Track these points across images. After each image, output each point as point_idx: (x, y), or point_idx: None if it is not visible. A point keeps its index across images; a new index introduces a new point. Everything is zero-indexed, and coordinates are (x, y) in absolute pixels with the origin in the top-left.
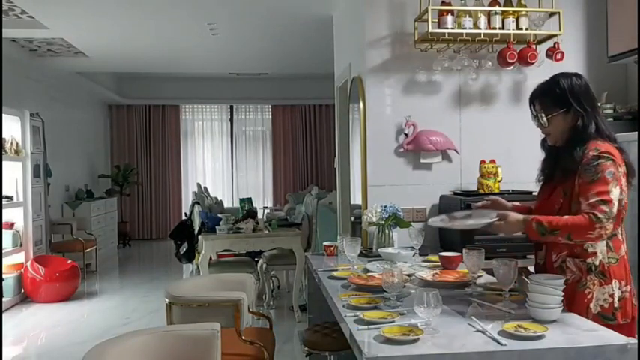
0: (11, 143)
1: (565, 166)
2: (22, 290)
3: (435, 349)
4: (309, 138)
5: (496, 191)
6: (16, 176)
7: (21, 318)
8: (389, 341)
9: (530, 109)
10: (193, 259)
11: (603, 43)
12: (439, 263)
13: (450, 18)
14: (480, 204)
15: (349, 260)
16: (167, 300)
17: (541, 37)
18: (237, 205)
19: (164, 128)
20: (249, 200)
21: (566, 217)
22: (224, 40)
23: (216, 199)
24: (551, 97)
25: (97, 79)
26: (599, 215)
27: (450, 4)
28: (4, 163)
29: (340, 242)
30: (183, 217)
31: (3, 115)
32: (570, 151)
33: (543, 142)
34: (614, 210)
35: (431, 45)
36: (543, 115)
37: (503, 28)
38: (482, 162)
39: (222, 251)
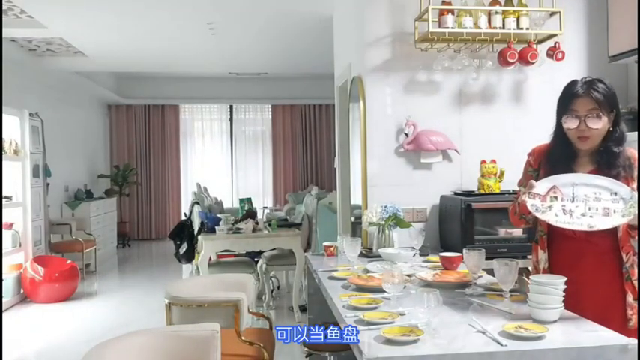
0: (10, 143)
1: (613, 164)
2: (22, 290)
3: (435, 349)
4: (309, 138)
5: (496, 191)
6: (15, 176)
7: (20, 318)
8: (389, 342)
9: (571, 112)
10: (193, 259)
11: (604, 42)
12: (439, 263)
13: (450, 17)
14: None
15: (349, 260)
16: (167, 300)
17: (542, 37)
18: (237, 205)
19: (163, 128)
20: (249, 200)
21: None
22: (224, 40)
23: (215, 199)
24: (608, 100)
25: (96, 79)
26: None
27: (450, 4)
28: (4, 163)
29: (340, 242)
30: (183, 217)
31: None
32: (612, 151)
33: (559, 140)
34: None
35: (431, 44)
36: (602, 117)
37: (503, 27)
38: (483, 162)
39: (222, 251)
